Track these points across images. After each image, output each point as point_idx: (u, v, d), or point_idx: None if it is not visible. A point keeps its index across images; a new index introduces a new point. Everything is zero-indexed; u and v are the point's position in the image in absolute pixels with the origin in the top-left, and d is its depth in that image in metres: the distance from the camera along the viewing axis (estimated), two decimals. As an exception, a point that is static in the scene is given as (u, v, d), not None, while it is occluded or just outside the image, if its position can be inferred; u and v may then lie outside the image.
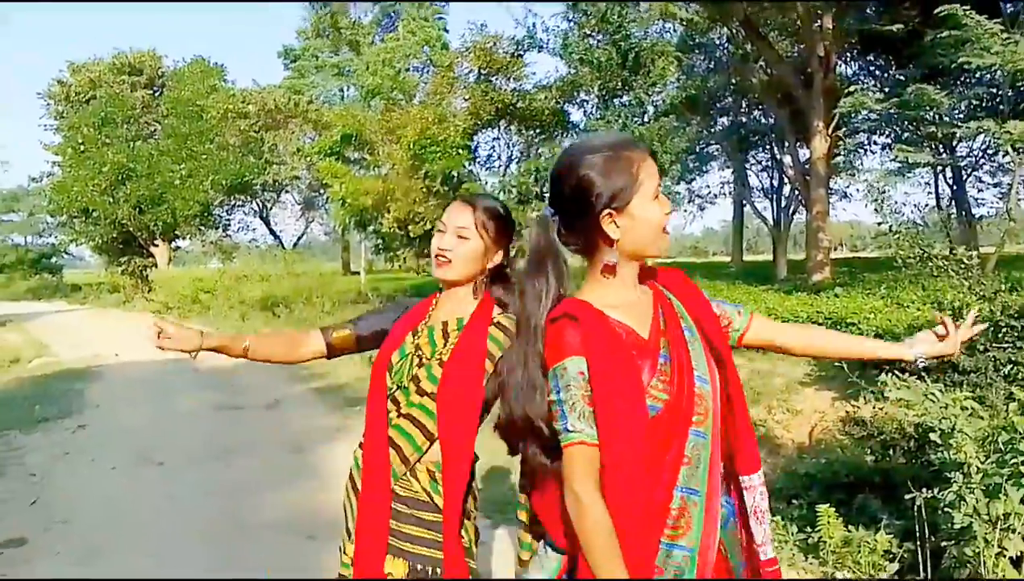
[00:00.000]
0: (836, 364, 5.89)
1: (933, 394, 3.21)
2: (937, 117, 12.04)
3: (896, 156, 12.88)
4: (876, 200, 5.66)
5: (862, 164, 19.92)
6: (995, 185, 18.56)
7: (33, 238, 46.91)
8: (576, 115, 18.87)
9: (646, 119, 17.69)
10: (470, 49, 16.14)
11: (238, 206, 32.46)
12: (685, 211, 26.48)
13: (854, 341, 2.06)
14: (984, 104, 12.75)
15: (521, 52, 16.71)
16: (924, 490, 3.10)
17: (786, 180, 21.19)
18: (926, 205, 19.65)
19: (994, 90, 12.42)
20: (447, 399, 1.96)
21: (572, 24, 18.29)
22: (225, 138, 26.75)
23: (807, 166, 14.85)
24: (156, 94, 33.23)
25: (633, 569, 1.43)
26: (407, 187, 14.29)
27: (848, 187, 21.77)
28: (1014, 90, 11.13)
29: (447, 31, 28.84)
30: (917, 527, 3.20)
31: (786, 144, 17.88)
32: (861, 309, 7.52)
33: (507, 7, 46.80)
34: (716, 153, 23.00)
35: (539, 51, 17.77)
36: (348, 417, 7.28)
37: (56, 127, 32.30)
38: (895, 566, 3.32)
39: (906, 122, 14.06)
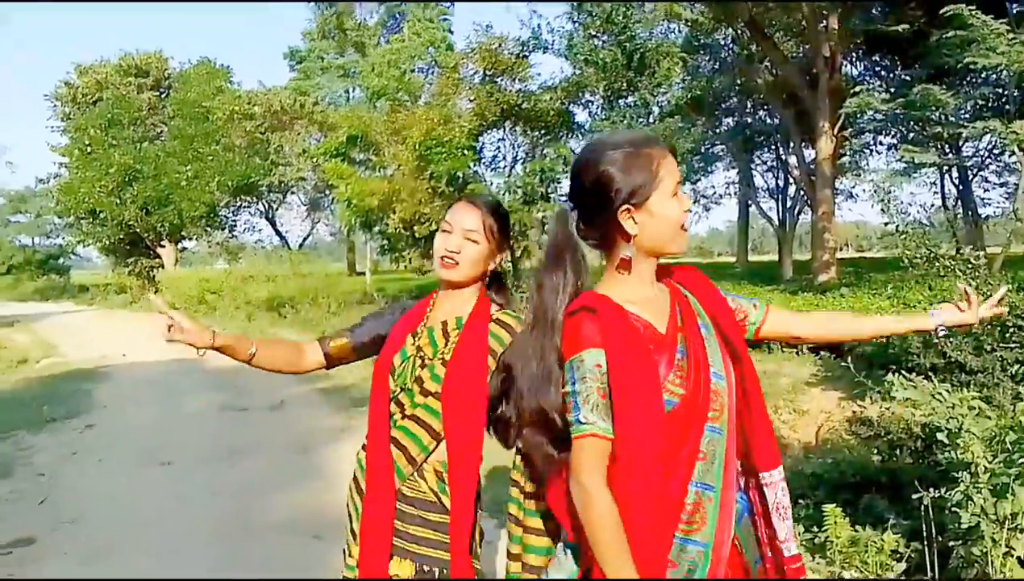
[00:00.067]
0: (843, 364, 5.88)
1: (940, 394, 3.20)
2: (943, 117, 12.02)
3: (902, 156, 12.84)
4: (882, 200, 5.64)
5: (868, 164, 19.87)
6: (1001, 185, 18.53)
7: (40, 239, 47.15)
8: (581, 116, 18.91)
9: (651, 120, 17.70)
10: (475, 50, 16.15)
11: (244, 207, 32.52)
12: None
13: (873, 321, 2.04)
14: (990, 104, 12.72)
15: (526, 53, 16.70)
16: (931, 490, 3.10)
17: (791, 180, 21.15)
18: (932, 205, 19.61)
19: (1000, 90, 12.37)
20: (452, 397, 1.96)
21: (577, 25, 18.31)
22: (231, 139, 26.82)
23: (812, 166, 14.84)
24: (162, 96, 33.33)
25: (646, 563, 1.43)
26: (412, 188, 14.30)
27: (854, 187, 21.72)
28: (1020, 90, 11.10)
29: (452, 32, 28.80)
30: (924, 527, 3.19)
31: (791, 144, 17.87)
32: (867, 309, 7.53)
33: (511, 8, 46.68)
34: (721, 153, 22.97)
35: (544, 52, 17.79)
36: (353, 417, 7.29)
37: (63, 129, 32.41)
38: (902, 566, 3.31)
39: (912, 122, 14.04)
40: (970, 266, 5.20)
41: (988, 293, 5.25)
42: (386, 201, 14.60)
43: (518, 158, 17.45)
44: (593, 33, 18.05)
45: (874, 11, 13.57)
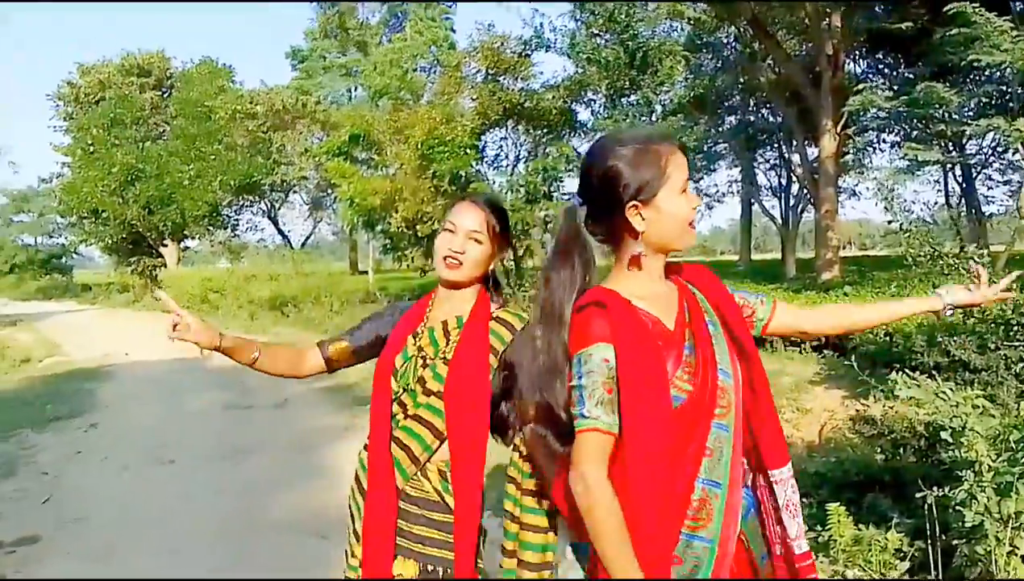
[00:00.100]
0: (846, 362, 5.88)
1: (944, 392, 3.19)
2: (946, 115, 11.99)
3: (905, 154, 12.83)
4: (886, 198, 5.63)
5: (871, 162, 19.84)
6: (1005, 183, 18.49)
7: (43, 239, 47.19)
8: (584, 114, 18.88)
9: (654, 118, 17.70)
10: (478, 49, 16.13)
11: (246, 206, 32.52)
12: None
13: (882, 307, 2.01)
14: (994, 102, 12.68)
15: (529, 52, 16.69)
16: (935, 488, 3.09)
17: (794, 178, 21.12)
18: (936, 203, 19.54)
19: (1004, 88, 12.35)
20: (455, 396, 1.96)
21: (579, 24, 18.31)
22: (233, 139, 26.84)
23: (815, 164, 14.82)
24: (165, 95, 33.39)
25: (653, 558, 1.43)
26: (415, 187, 14.30)
27: (857, 185, 21.68)
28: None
29: (454, 31, 28.83)
30: (928, 526, 3.19)
31: (794, 142, 17.87)
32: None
33: (512, 7, 46.62)
34: (724, 152, 22.95)
35: (546, 51, 17.78)
36: (356, 416, 7.30)
37: (65, 128, 32.48)
38: (906, 565, 3.30)
39: (915, 120, 14.02)
40: (973, 264, 5.19)
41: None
42: (388, 200, 14.60)
43: (520, 157, 17.44)
44: (596, 32, 18.04)
45: (877, 9, 13.56)
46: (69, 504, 5.13)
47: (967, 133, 13.20)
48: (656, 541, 1.45)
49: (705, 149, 21.34)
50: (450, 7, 29.59)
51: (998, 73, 11.97)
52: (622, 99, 18.73)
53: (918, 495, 3.14)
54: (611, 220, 1.59)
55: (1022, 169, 16.14)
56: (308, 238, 38.54)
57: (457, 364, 1.98)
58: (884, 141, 18.38)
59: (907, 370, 3.48)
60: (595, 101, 19.18)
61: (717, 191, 26.77)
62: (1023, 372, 4.77)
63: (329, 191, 28.00)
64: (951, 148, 15.12)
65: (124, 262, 32.00)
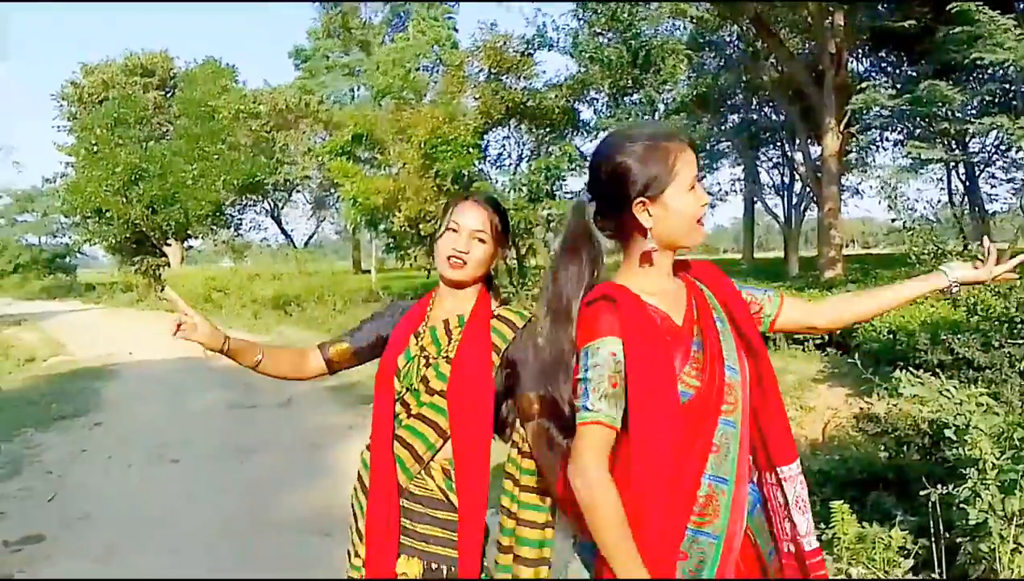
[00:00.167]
0: (850, 360, 5.88)
1: (948, 390, 3.20)
2: (950, 113, 11.98)
3: (908, 152, 12.81)
4: (889, 196, 5.62)
5: (874, 160, 19.84)
6: (1008, 181, 18.44)
7: (47, 238, 47.27)
8: (586, 113, 18.90)
9: (656, 117, 17.72)
10: (480, 48, 16.14)
11: (250, 206, 32.58)
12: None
13: (887, 291, 1.93)
14: (997, 100, 12.67)
15: (531, 51, 16.70)
16: (939, 486, 3.09)
17: (797, 177, 21.13)
18: (939, 201, 19.51)
19: (1007, 86, 12.34)
20: (458, 395, 1.97)
21: (582, 23, 18.32)
22: (237, 138, 26.88)
23: (818, 163, 14.82)
24: (168, 95, 33.46)
25: (658, 554, 1.44)
26: (418, 186, 14.32)
27: (860, 183, 21.68)
28: (1027, 86, 11.07)
29: (457, 31, 28.86)
30: (932, 523, 3.19)
31: (797, 141, 17.85)
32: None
33: (515, 6, 46.67)
34: (727, 150, 22.96)
35: (549, 50, 17.79)
36: (360, 415, 7.30)
37: (69, 128, 32.56)
38: (909, 562, 3.30)
39: (918, 118, 13.99)
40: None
41: (995, 287, 5.24)
42: (391, 199, 14.61)
43: (523, 156, 17.46)
44: (598, 31, 18.05)
45: (880, 7, 13.54)
46: (74, 503, 5.15)
47: (970, 131, 13.17)
48: (662, 536, 1.45)
49: (708, 148, 21.34)
50: (452, 7, 29.62)
51: (1001, 71, 11.96)
52: (625, 98, 18.75)
53: (922, 493, 3.15)
54: (619, 216, 1.59)
55: (1025, 167, 16.13)
56: (311, 237, 38.68)
57: (460, 363, 1.99)
58: (887, 139, 18.36)
59: (911, 368, 3.49)
60: (598, 100, 19.22)
61: (720, 190, 26.79)
62: (1027, 370, 4.77)
63: (332, 190, 28.07)
64: (954, 146, 15.10)
65: (128, 262, 32.06)
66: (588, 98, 18.59)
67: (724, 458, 1.52)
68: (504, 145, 17.73)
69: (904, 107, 11.63)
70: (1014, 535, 2.88)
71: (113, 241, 30.02)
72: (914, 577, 3.29)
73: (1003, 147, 16.54)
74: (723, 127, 21.14)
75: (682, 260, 1.70)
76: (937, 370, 4.18)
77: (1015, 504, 2.85)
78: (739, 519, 1.53)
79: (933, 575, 3.20)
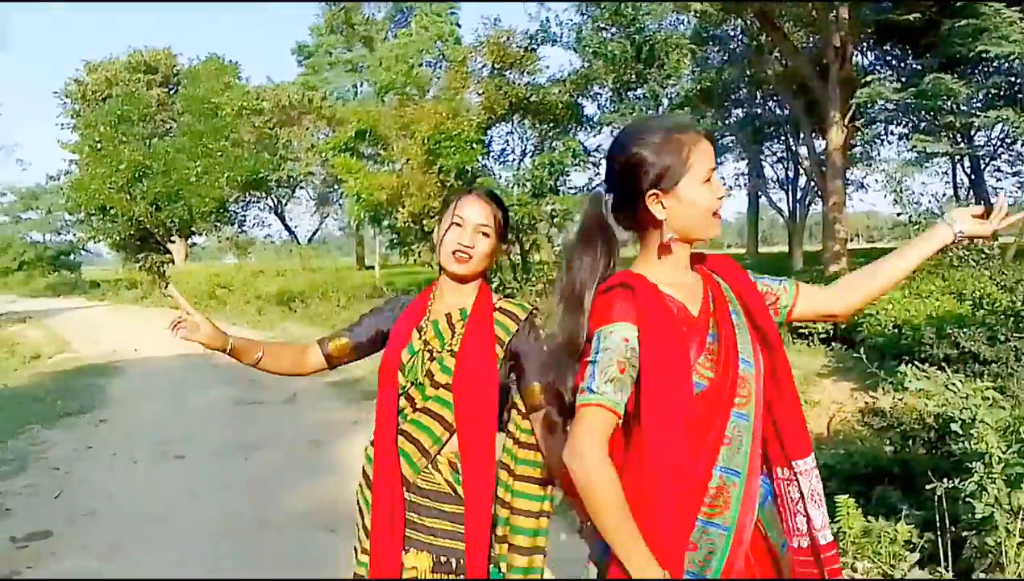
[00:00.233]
0: (855, 355, 5.87)
1: (953, 384, 3.19)
2: (955, 107, 11.93)
3: (914, 146, 12.79)
4: (894, 190, 5.62)
5: (879, 154, 19.79)
6: (1014, 174, 18.37)
7: (51, 236, 47.39)
8: (590, 108, 18.85)
9: (660, 112, 17.63)
10: (483, 44, 16.12)
11: (253, 202, 32.63)
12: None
13: (897, 261, 1.81)
14: (1002, 93, 12.61)
15: (534, 46, 16.68)
16: (944, 480, 3.09)
17: (802, 171, 21.07)
18: (944, 195, 19.42)
19: (1013, 79, 12.28)
20: (463, 388, 1.98)
21: (586, 17, 18.28)
22: (240, 135, 26.91)
23: (823, 157, 14.78)
24: (171, 92, 33.50)
25: (667, 543, 1.43)
26: (421, 182, 14.31)
27: (865, 178, 21.63)
28: (1033, 79, 11.03)
29: (460, 26, 28.85)
30: (937, 518, 3.18)
31: (802, 135, 17.79)
32: (879, 300, 7.49)
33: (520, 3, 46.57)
34: (731, 145, 22.89)
35: (553, 45, 17.78)
36: (364, 410, 7.31)
37: (73, 126, 32.61)
38: (915, 556, 3.30)
39: (923, 112, 13.94)
40: (983, 256, 5.17)
41: (1003, 283, 5.22)
42: (395, 195, 14.62)
43: (527, 151, 17.45)
44: (602, 25, 18.00)
45: (885, 0, 13.49)
46: (80, 499, 5.16)
47: (975, 125, 13.11)
48: (671, 526, 1.44)
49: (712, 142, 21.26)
50: (455, 3, 29.59)
51: (1006, 64, 11.88)
52: (628, 93, 18.70)
53: (928, 487, 3.14)
54: (634, 208, 1.58)
55: (1031, 160, 16.07)
56: (315, 234, 38.73)
57: (464, 356, 2.00)
58: (892, 133, 18.31)
59: (916, 362, 3.49)
60: (601, 95, 19.16)
61: (724, 184, 26.58)
62: (1033, 364, 4.75)
63: (335, 187, 28.11)
64: (959, 140, 15.06)
65: (132, 259, 32.16)
66: (592, 93, 18.54)
67: (736, 451, 1.52)
68: (507, 141, 17.73)
69: (909, 101, 11.58)
70: (1020, 529, 2.88)
71: (117, 238, 30.11)
72: (920, 571, 3.28)
73: (1008, 140, 16.47)
74: (727, 121, 21.09)
75: (699, 253, 1.70)
76: (943, 364, 4.18)
77: (1021, 498, 2.84)
78: (750, 512, 1.53)
79: (939, 569, 3.20)
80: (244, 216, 33.22)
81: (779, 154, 23.62)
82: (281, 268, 23.00)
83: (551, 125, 16.72)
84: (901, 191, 5.63)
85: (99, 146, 28.24)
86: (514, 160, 17.56)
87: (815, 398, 6.37)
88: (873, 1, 13.25)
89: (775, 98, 19.95)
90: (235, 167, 26.69)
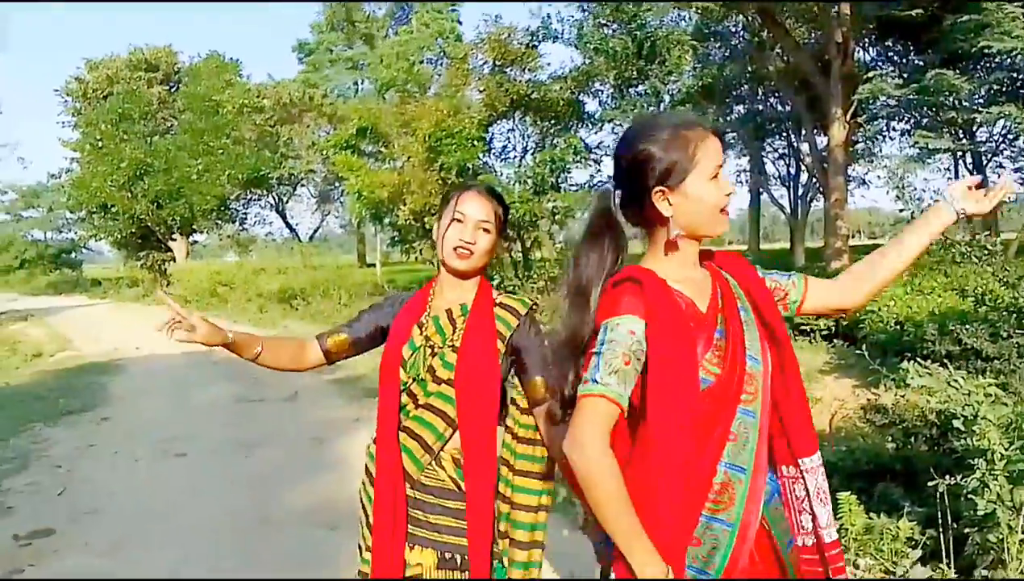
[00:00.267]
0: (857, 351, 5.86)
1: (956, 381, 3.19)
2: (957, 102, 11.92)
3: (916, 142, 12.77)
4: (896, 186, 5.61)
5: (881, 150, 19.72)
6: (1016, 170, 18.32)
7: (53, 234, 47.39)
8: (591, 105, 18.85)
9: (662, 108, 17.62)
10: (484, 40, 16.10)
11: (254, 200, 32.64)
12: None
13: (903, 248, 1.75)
14: (1005, 89, 12.59)
15: (536, 43, 16.67)
16: (947, 477, 3.08)
17: (803, 167, 21.05)
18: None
19: (1015, 74, 12.25)
20: (465, 383, 1.98)
21: (587, 14, 18.25)
22: (241, 133, 26.92)
23: (825, 153, 14.76)
24: (172, 90, 33.48)
25: (670, 538, 1.43)
26: (422, 179, 14.31)
27: (867, 174, 21.56)
28: (1035, 74, 11.00)
29: (461, 23, 28.78)
30: (939, 514, 3.18)
31: (803, 131, 17.78)
32: (881, 296, 7.47)
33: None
34: (732, 141, 22.84)
35: (554, 41, 17.74)
36: (366, 408, 7.31)
37: (74, 124, 32.61)
38: (917, 553, 3.30)
39: (926, 108, 13.94)
40: (986, 252, 5.17)
41: (1005, 279, 5.21)
42: (396, 193, 14.62)
43: (528, 148, 17.44)
44: (603, 22, 17.98)
45: (886, -4, 13.47)
46: (82, 497, 5.17)
47: (978, 120, 13.12)
48: (674, 521, 1.44)
49: (713, 138, 21.24)
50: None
51: (1009, 60, 11.88)
52: (630, 89, 18.69)
53: (930, 484, 3.13)
54: (641, 205, 1.59)
55: (1033, 156, 16.04)
56: (316, 231, 38.72)
57: (466, 351, 2.00)
58: (894, 129, 18.28)
59: (918, 358, 3.48)
60: (603, 92, 19.14)
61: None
62: (1035, 360, 4.75)
63: (337, 184, 28.11)
64: (961, 136, 15.04)
65: (133, 256, 32.18)
66: (593, 90, 18.52)
67: (742, 447, 1.52)
68: (509, 138, 17.72)
69: (911, 96, 11.58)
70: (1022, 526, 2.87)
71: (119, 236, 30.11)
72: (922, 568, 3.28)
73: (1011, 136, 16.46)
74: (728, 118, 21.06)
75: (708, 250, 1.70)
76: (945, 361, 4.17)
77: (1023, 495, 2.84)
78: (755, 509, 1.52)
79: (941, 566, 3.19)
80: (245, 214, 33.25)
81: (781, 150, 23.60)
82: (282, 266, 23.00)
83: (552, 122, 16.71)
84: (903, 187, 5.63)
85: (100, 144, 28.25)
86: (515, 157, 17.56)
87: (817, 395, 6.36)
88: (875, -3, 13.24)
89: (777, 94, 19.92)
90: (236, 165, 26.69)
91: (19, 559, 4.13)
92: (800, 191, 22.49)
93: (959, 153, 16.70)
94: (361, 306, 2.48)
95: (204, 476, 5.58)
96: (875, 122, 16.22)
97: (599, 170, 17.98)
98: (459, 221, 2.03)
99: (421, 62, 20.54)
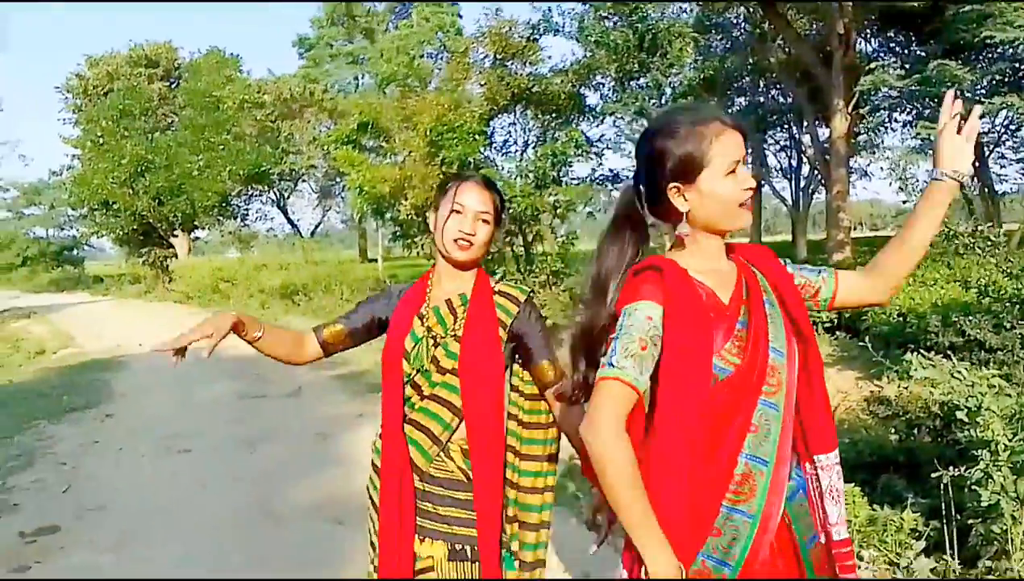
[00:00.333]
0: (860, 343, 5.86)
1: (959, 372, 3.19)
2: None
3: (918, 133, 12.70)
4: (898, 178, 5.60)
5: (883, 142, 19.70)
6: (1018, 161, 18.31)
7: (54, 231, 47.43)
8: (593, 98, 18.77)
9: (663, 101, 17.60)
10: (485, 34, 16.03)
11: (256, 196, 32.56)
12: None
13: (916, 232, 1.68)
14: (1007, 79, 12.54)
15: (536, 36, 16.58)
16: (950, 469, 3.08)
17: (805, 159, 21.01)
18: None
19: (1017, 65, 12.21)
20: (469, 371, 1.99)
21: (588, 7, 18.17)
22: (242, 128, 26.86)
23: (827, 145, 14.71)
24: (173, 86, 33.41)
25: (689, 528, 1.44)
26: (424, 174, 14.28)
27: (869, 165, 21.55)
28: (1037, 65, 10.97)
29: (461, 16, 28.77)
30: (943, 506, 3.18)
31: (805, 123, 17.74)
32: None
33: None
34: (734, 134, 22.82)
35: (555, 35, 17.65)
36: (370, 403, 7.32)
37: (75, 120, 32.55)
38: (921, 545, 3.30)
39: (928, 99, 13.86)
40: (988, 243, 5.15)
41: (1009, 270, 5.19)
42: (397, 188, 14.59)
43: (529, 142, 17.38)
44: (604, 15, 17.91)
45: (888, -14, 13.41)
46: (87, 494, 5.18)
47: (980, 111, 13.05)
48: (693, 510, 1.45)
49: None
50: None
51: (1011, 50, 11.81)
52: (631, 82, 18.63)
53: (933, 475, 3.14)
54: (659, 200, 1.60)
55: (1035, 147, 15.99)
56: (317, 227, 38.69)
57: (469, 340, 2.01)
58: (896, 120, 18.23)
59: (922, 350, 3.47)
60: (604, 85, 19.09)
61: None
62: (1039, 351, 4.74)
63: (338, 179, 28.07)
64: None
65: (135, 253, 32.15)
66: (594, 83, 18.44)
67: (764, 439, 1.52)
68: (510, 132, 17.65)
69: (913, 87, 11.52)
70: (1027, 517, 2.87)
71: (120, 233, 30.09)
72: (925, 559, 3.28)
73: (1013, 127, 16.42)
74: (730, 110, 20.90)
75: (735, 243, 1.70)
76: (948, 352, 4.16)
77: (1027, 486, 2.84)
78: (777, 501, 1.52)
79: (945, 557, 3.20)
80: (247, 210, 33.18)
81: (782, 142, 23.56)
82: (284, 261, 23.01)
83: (553, 116, 16.65)
84: (905, 179, 5.61)
85: (101, 141, 28.22)
86: (516, 151, 17.50)
87: (820, 387, 6.35)
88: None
89: (778, 86, 19.87)
90: (237, 161, 26.65)
91: (25, 556, 4.15)
92: (802, 183, 22.47)
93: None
94: (363, 302, 2.47)
95: (208, 472, 5.59)
96: (877, 113, 16.19)
97: (600, 164, 17.96)
98: (458, 212, 2.03)
99: (421, 56, 20.49)
